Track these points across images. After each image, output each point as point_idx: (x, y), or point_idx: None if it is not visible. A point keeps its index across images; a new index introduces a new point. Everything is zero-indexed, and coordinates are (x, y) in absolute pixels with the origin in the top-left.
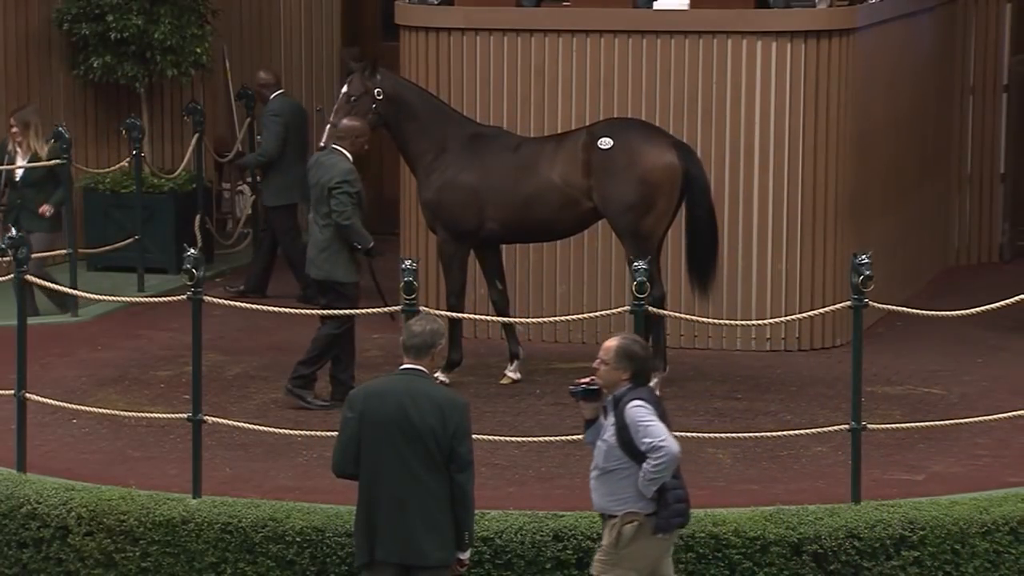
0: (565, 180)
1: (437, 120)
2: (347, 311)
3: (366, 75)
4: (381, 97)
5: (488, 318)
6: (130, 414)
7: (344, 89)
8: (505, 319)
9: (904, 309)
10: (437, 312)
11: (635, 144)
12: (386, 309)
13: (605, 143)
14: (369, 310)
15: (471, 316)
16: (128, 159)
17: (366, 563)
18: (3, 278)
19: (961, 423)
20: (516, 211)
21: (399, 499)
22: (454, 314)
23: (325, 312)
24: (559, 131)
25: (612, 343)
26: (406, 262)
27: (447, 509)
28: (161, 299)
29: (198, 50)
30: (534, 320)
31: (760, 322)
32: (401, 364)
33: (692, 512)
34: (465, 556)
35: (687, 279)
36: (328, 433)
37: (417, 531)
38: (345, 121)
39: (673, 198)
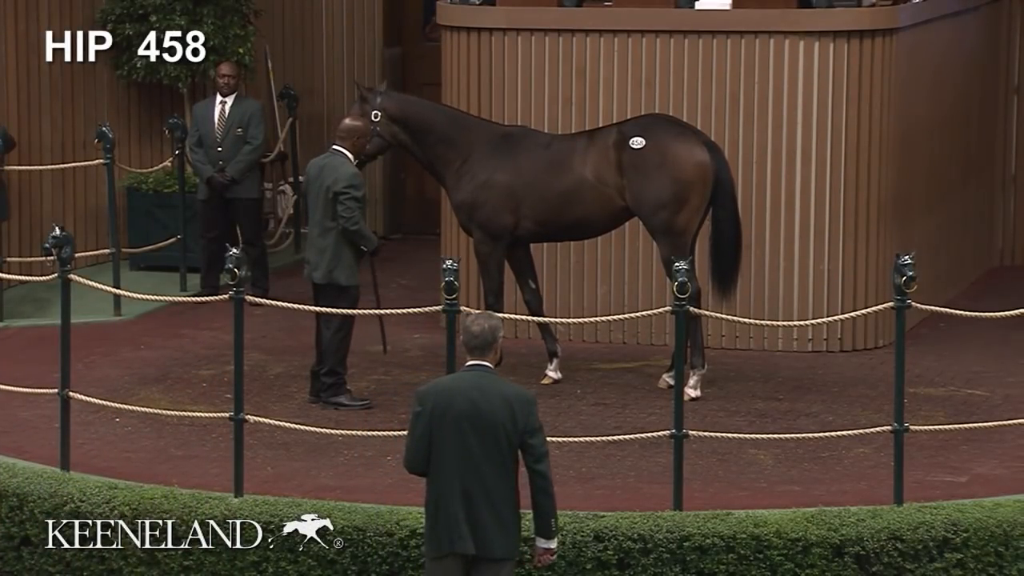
0: (598, 177)
1: (456, 128)
2: (347, 311)
3: (366, 100)
4: (378, 119)
5: (527, 318)
6: (172, 413)
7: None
8: (539, 319)
9: (947, 310)
10: (475, 312)
11: (666, 142)
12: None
13: (637, 143)
14: (408, 309)
15: (510, 316)
16: (171, 159)
17: (434, 555)
18: (47, 277)
19: (1005, 425)
20: (552, 209)
21: (467, 492)
22: (493, 313)
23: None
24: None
25: None
26: (447, 262)
27: (512, 504)
28: (203, 299)
29: (240, 50)
30: (575, 320)
31: (802, 323)
32: (467, 362)
33: (733, 513)
34: (553, 544)
35: (710, 280)
36: (369, 432)
37: (484, 524)
38: (347, 121)
39: (705, 194)
